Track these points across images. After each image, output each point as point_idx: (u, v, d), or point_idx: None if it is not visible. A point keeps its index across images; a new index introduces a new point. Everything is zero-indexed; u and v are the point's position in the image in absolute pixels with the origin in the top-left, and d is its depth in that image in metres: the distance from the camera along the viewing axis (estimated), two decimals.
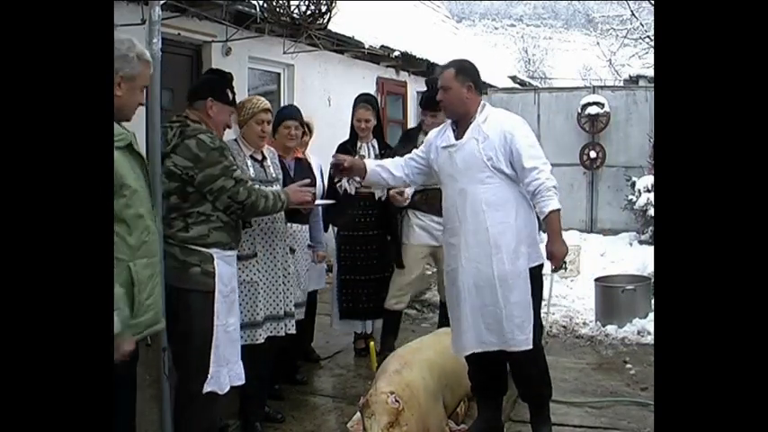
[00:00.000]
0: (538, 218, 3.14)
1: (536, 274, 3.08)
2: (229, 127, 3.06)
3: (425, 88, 4.27)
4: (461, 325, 3.12)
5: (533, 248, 3.08)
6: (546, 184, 2.96)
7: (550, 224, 2.99)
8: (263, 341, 3.19)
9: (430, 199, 4.07)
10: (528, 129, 3.11)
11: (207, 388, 2.72)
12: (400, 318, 4.18)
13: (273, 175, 3.35)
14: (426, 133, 3.88)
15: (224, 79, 3.00)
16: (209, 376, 2.72)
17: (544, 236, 3.09)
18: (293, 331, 3.42)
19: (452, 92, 3.09)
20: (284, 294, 3.33)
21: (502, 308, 3.01)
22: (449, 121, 3.24)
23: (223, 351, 2.79)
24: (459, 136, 3.13)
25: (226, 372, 2.82)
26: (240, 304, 3.04)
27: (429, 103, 4.04)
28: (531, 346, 3.03)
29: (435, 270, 4.38)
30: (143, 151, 2.37)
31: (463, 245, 3.09)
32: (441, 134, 3.25)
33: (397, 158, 3.47)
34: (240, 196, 2.77)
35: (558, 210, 2.98)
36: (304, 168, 3.86)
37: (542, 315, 3.22)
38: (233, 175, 2.78)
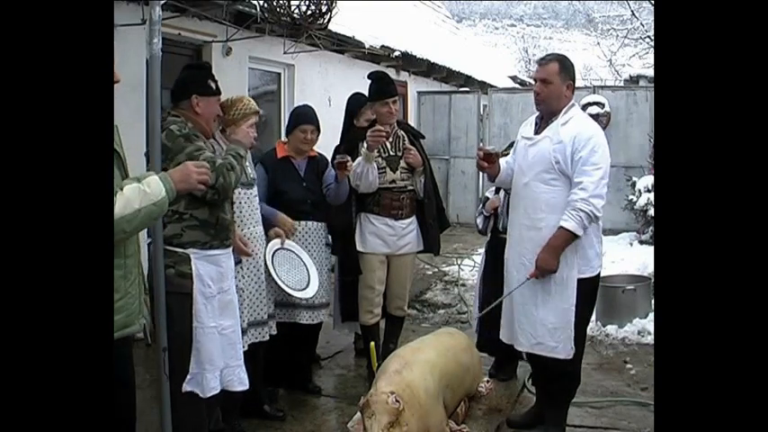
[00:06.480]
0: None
1: (587, 287, 3.03)
2: (219, 116, 2.93)
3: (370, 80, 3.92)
4: (504, 314, 3.22)
5: (585, 260, 3.02)
6: (579, 204, 2.90)
7: (555, 238, 2.94)
8: (246, 348, 3.10)
9: (382, 200, 3.78)
10: (599, 144, 2.98)
11: (186, 387, 2.66)
12: (377, 328, 4.05)
13: (252, 176, 3.27)
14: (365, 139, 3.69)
15: (203, 70, 2.89)
16: (188, 376, 2.66)
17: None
18: (275, 332, 3.42)
19: (553, 87, 3.03)
20: (267, 299, 3.36)
21: (538, 309, 3.01)
22: (536, 114, 3.19)
23: (211, 354, 2.72)
24: (538, 131, 3.10)
25: (214, 375, 2.74)
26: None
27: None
28: (563, 356, 3.00)
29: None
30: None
31: (516, 238, 3.12)
32: (527, 125, 3.24)
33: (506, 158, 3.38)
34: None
35: (571, 233, 2.90)
36: (314, 168, 3.83)
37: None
38: (200, 158, 2.57)
